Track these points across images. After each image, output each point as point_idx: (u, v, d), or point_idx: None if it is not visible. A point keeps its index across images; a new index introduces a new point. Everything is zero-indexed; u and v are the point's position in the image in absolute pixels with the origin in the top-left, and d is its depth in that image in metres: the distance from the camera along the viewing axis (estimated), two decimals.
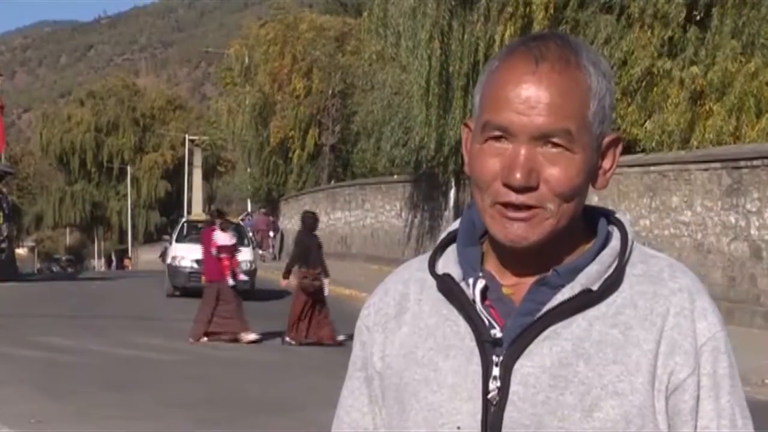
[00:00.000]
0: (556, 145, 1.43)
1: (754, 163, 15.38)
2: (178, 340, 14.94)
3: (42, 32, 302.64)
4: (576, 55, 1.47)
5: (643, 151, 18.17)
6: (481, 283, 1.49)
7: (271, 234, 40.64)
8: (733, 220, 15.74)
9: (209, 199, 72.26)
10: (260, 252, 43.40)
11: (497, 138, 1.45)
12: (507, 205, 1.44)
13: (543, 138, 1.43)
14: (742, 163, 15.60)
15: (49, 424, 8.93)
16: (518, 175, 1.42)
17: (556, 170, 1.43)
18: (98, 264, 73.95)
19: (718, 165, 16.16)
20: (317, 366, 12.55)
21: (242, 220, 39.59)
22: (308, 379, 11.50)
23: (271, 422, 9.18)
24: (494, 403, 1.45)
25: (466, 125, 1.55)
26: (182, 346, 14.45)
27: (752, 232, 15.38)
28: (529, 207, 1.44)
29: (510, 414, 1.44)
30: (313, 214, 16.29)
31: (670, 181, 17.27)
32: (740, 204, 15.58)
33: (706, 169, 16.40)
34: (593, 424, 1.42)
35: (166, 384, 11.20)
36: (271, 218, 38.75)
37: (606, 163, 1.51)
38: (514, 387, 1.44)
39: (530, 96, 1.43)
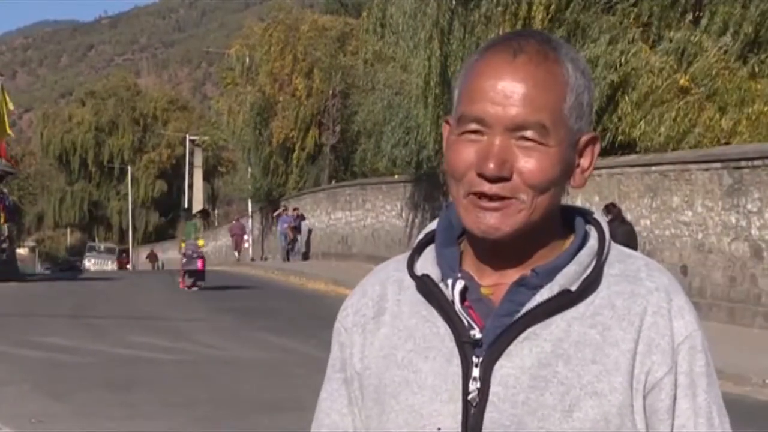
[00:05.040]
0: (530, 138, 1.44)
1: (755, 163, 15.38)
2: (178, 340, 14.94)
3: (43, 32, 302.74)
4: (555, 50, 1.47)
5: (642, 151, 18.17)
6: (460, 284, 1.49)
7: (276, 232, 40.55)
8: (733, 220, 15.73)
9: (210, 198, 72.32)
10: (236, 253, 43.93)
11: (473, 131, 1.46)
12: (480, 195, 1.44)
13: (517, 130, 1.43)
14: (743, 163, 15.59)
15: (49, 424, 8.95)
16: (491, 165, 1.43)
17: (530, 162, 1.43)
18: None
19: (718, 165, 16.15)
20: (318, 366, 12.54)
21: (278, 216, 39.58)
22: (308, 378, 11.46)
23: (272, 422, 9.18)
24: (474, 404, 1.44)
25: (446, 121, 1.55)
26: (182, 346, 14.44)
27: (753, 232, 15.37)
28: (502, 198, 1.44)
29: (490, 415, 1.43)
30: (615, 205, 15.48)
31: (671, 181, 17.26)
32: (741, 204, 15.57)
33: (706, 169, 16.40)
34: (573, 424, 1.42)
35: (166, 384, 11.20)
36: (298, 211, 38.57)
37: (584, 162, 1.51)
38: (494, 388, 1.44)
39: (506, 87, 1.43)
